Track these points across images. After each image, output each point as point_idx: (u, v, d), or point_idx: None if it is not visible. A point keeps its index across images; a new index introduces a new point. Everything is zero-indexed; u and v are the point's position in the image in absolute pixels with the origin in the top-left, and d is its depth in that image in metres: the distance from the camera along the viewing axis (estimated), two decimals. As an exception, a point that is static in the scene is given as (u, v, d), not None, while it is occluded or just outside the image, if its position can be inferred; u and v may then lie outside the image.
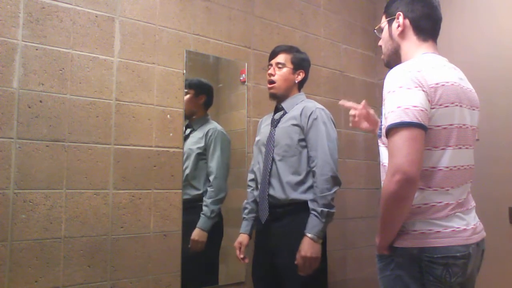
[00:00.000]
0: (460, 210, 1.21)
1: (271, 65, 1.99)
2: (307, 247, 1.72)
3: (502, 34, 2.38)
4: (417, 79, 1.15)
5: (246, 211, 2.03)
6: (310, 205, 1.78)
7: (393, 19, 1.37)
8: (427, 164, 1.18)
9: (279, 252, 1.82)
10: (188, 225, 2.10)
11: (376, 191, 2.91)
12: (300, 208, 1.80)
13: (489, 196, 2.19)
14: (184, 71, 2.14)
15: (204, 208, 2.14)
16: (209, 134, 2.22)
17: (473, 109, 1.28)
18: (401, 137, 1.12)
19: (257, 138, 2.06)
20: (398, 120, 1.12)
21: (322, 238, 1.77)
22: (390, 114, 1.15)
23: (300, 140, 1.86)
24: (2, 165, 1.65)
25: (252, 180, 2.06)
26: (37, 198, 1.71)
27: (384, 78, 1.25)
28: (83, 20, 1.87)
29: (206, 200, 2.15)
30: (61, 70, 1.80)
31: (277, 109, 2.02)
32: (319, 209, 1.74)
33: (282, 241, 1.82)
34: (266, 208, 1.87)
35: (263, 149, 1.95)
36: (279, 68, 1.96)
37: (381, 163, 1.30)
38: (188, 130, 2.21)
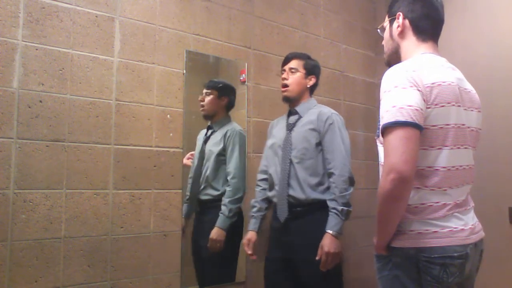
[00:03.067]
0: (458, 210, 1.20)
1: (285, 70, 2.11)
2: (330, 243, 1.83)
3: (502, 34, 2.38)
4: (412, 78, 1.16)
5: (255, 209, 2.13)
6: (330, 204, 1.90)
7: (394, 19, 1.37)
8: (424, 164, 1.18)
9: (299, 248, 1.92)
10: (208, 224, 2.14)
11: (376, 191, 2.91)
12: (318, 207, 1.92)
13: (489, 196, 2.19)
14: (184, 71, 2.14)
15: (222, 207, 2.16)
16: (228, 135, 2.24)
17: (472, 110, 1.28)
18: (396, 136, 1.12)
19: (271, 141, 2.13)
20: (393, 120, 1.13)
21: (342, 234, 1.89)
22: (386, 114, 1.15)
23: (317, 144, 1.97)
24: (2, 165, 1.65)
25: (262, 180, 2.15)
26: (37, 198, 1.71)
27: (384, 78, 1.25)
28: (83, 20, 1.87)
29: (224, 200, 2.17)
30: (61, 70, 1.80)
31: (291, 112, 2.11)
32: (339, 207, 1.87)
33: (301, 237, 1.92)
34: (285, 208, 1.96)
35: (280, 152, 2.03)
36: (292, 72, 2.08)
37: (379, 163, 1.31)
38: (209, 132, 2.26)
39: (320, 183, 1.95)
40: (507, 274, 2.22)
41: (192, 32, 2.20)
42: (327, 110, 2.03)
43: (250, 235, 2.08)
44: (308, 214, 1.94)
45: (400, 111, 1.12)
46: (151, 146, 2.01)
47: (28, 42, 1.74)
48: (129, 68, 1.98)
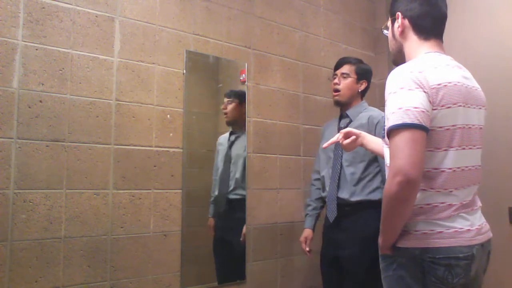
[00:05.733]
0: (464, 211, 1.19)
1: (336, 75, 2.18)
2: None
3: (502, 34, 2.38)
4: (418, 80, 1.15)
5: (310, 208, 2.24)
6: (366, 197, 1.98)
7: (395, 19, 1.37)
8: (430, 166, 1.17)
9: (345, 245, 2.00)
10: (239, 221, 2.32)
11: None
12: (367, 207, 1.99)
13: (489, 196, 2.18)
14: (184, 71, 2.14)
15: None
16: None
17: (480, 108, 1.27)
18: (403, 138, 1.12)
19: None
20: (399, 122, 1.12)
21: None
22: (392, 115, 1.15)
23: None
24: (2, 165, 1.65)
25: (316, 180, 2.26)
26: (37, 198, 1.71)
27: (384, 78, 1.25)
28: (83, 20, 1.87)
29: None
30: (61, 70, 1.80)
31: (342, 116, 2.19)
32: None
33: (348, 235, 2.00)
34: (334, 209, 2.04)
35: (331, 155, 2.11)
36: (344, 77, 2.15)
37: (385, 164, 1.30)
38: (233, 136, 2.37)
39: (368, 185, 2.01)
40: (507, 274, 2.22)
41: (192, 32, 2.20)
42: (377, 114, 2.08)
43: (306, 232, 2.18)
44: (356, 213, 2.00)
45: (406, 113, 1.12)
46: (151, 146, 2.01)
47: (28, 42, 1.74)
48: (129, 68, 1.98)
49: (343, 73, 2.15)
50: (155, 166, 2.02)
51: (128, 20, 1.99)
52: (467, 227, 1.17)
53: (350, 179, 2.02)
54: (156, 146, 2.03)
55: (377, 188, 2.02)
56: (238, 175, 2.31)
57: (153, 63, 2.05)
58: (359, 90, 2.17)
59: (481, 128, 1.27)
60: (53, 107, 1.77)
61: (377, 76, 3.06)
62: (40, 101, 1.75)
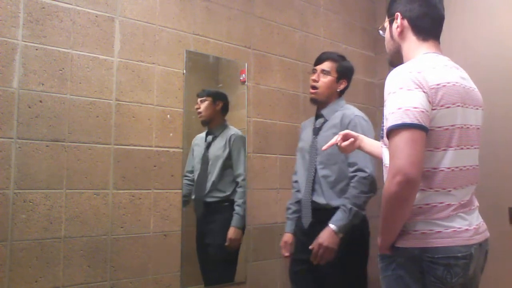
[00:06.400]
0: (462, 211, 1.20)
1: (316, 70, 2.04)
2: (326, 236, 1.79)
3: (502, 34, 2.38)
4: (417, 80, 1.15)
5: (290, 211, 2.12)
6: (342, 201, 1.85)
7: (394, 19, 1.36)
8: (429, 165, 1.18)
9: None
10: (217, 224, 2.23)
11: (379, 192, 2.90)
12: None
13: (489, 196, 2.18)
14: (184, 71, 2.14)
15: (236, 208, 2.26)
16: (232, 139, 2.31)
17: (477, 108, 1.28)
18: (402, 138, 1.12)
19: (300, 145, 2.13)
20: (399, 122, 1.12)
21: (343, 234, 1.81)
22: (391, 116, 1.15)
23: None
24: (2, 165, 1.65)
25: (295, 182, 2.14)
26: (37, 198, 1.71)
27: (384, 78, 1.24)
28: (83, 20, 1.87)
29: (238, 201, 2.27)
30: (61, 70, 1.80)
31: (318, 116, 2.07)
32: (349, 206, 1.81)
33: None
34: (309, 213, 1.95)
35: (307, 156, 2.02)
36: (324, 74, 2.01)
37: (383, 164, 1.30)
38: (209, 137, 2.31)
39: (343, 189, 1.90)
40: (507, 274, 2.22)
41: (192, 32, 2.20)
42: (350, 112, 1.96)
43: (286, 237, 2.07)
44: (330, 218, 1.87)
45: (406, 113, 1.12)
46: (151, 146, 2.01)
47: (28, 42, 1.74)
48: (129, 68, 1.98)
49: (323, 70, 2.00)
50: (155, 166, 2.02)
51: (128, 20, 1.99)
52: (466, 226, 1.18)
53: (324, 182, 1.92)
54: (156, 146, 2.03)
55: None
56: (214, 177, 2.24)
57: (153, 63, 2.05)
58: (338, 90, 2.03)
59: (478, 128, 1.28)
60: (53, 107, 1.77)
61: (377, 76, 3.06)
62: (40, 101, 1.75)
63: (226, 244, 2.21)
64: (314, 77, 2.02)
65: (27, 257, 1.67)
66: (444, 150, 1.18)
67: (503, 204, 2.27)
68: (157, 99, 2.05)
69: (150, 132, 2.01)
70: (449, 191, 1.18)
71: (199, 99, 2.25)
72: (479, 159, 1.30)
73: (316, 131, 2.01)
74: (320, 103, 2.03)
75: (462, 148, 1.20)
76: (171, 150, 2.07)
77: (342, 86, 2.04)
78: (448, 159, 1.18)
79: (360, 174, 1.85)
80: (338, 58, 2.05)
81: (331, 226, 1.80)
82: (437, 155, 1.18)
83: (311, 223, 1.94)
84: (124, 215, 1.91)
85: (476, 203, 1.29)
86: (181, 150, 2.11)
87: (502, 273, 2.20)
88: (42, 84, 1.76)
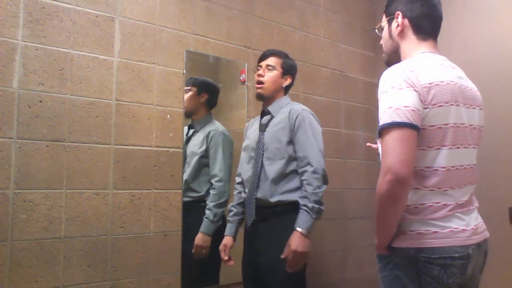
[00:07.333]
0: (460, 211, 1.19)
1: (261, 66, 2.03)
2: (298, 241, 1.74)
3: (502, 34, 2.38)
4: (409, 79, 1.15)
5: (231, 213, 2.06)
6: (301, 201, 1.81)
7: (393, 18, 1.36)
8: (422, 164, 1.18)
9: (263, 252, 1.86)
10: (189, 226, 2.09)
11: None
12: (287, 210, 1.85)
13: (489, 196, 2.18)
14: (184, 71, 2.14)
15: (207, 212, 2.13)
16: (210, 135, 2.19)
17: (473, 108, 1.27)
18: (393, 137, 1.12)
19: (245, 143, 2.08)
20: (389, 121, 1.13)
21: (311, 233, 1.79)
22: (383, 115, 1.15)
23: (288, 142, 1.90)
24: (2, 165, 1.65)
25: (239, 183, 2.08)
26: (37, 198, 1.71)
27: (383, 78, 1.24)
28: (83, 20, 1.87)
29: (209, 204, 2.13)
30: (61, 70, 1.80)
31: (264, 113, 2.04)
32: (310, 205, 1.78)
33: (267, 241, 1.86)
34: (253, 211, 1.90)
35: (253, 154, 1.97)
36: (269, 70, 2.00)
37: (380, 163, 1.30)
38: (190, 131, 2.20)
39: (289, 184, 1.87)
40: (508, 274, 2.22)
41: (192, 32, 2.20)
42: (297, 107, 1.95)
43: (226, 240, 2.01)
44: (275, 216, 1.86)
45: (396, 112, 1.12)
46: (151, 146, 2.01)
47: (28, 42, 1.74)
48: (129, 68, 1.98)
49: (268, 65, 1.99)
50: (155, 166, 2.02)
51: (128, 20, 1.99)
52: (463, 227, 1.18)
53: (270, 178, 1.87)
54: (156, 146, 2.03)
55: (297, 188, 1.86)
56: (187, 176, 2.11)
57: (153, 63, 2.05)
58: (283, 86, 2.02)
59: (475, 127, 1.27)
60: (53, 107, 1.77)
61: (377, 76, 3.05)
62: (40, 101, 1.75)
63: (193, 251, 2.08)
64: (259, 72, 2.01)
65: (27, 257, 1.67)
66: (437, 149, 1.18)
67: (503, 204, 2.28)
68: (157, 99, 2.05)
69: (150, 132, 2.01)
70: (445, 190, 1.18)
71: (185, 88, 2.14)
72: (479, 159, 1.30)
73: (263, 128, 1.98)
74: (266, 99, 2.01)
75: (458, 147, 1.20)
76: (171, 150, 2.08)
77: (287, 82, 2.04)
78: (443, 158, 1.18)
79: (310, 168, 1.83)
80: (282, 55, 2.05)
81: (299, 229, 1.75)
82: (431, 154, 1.18)
83: (254, 221, 1.89)
84: (124, 215, 1.91)
85: (476, 203, 1.28)
86: (181, 150, 2.11)
87: (503, 273, 2.20)
88: (42, 84, 1.76)
